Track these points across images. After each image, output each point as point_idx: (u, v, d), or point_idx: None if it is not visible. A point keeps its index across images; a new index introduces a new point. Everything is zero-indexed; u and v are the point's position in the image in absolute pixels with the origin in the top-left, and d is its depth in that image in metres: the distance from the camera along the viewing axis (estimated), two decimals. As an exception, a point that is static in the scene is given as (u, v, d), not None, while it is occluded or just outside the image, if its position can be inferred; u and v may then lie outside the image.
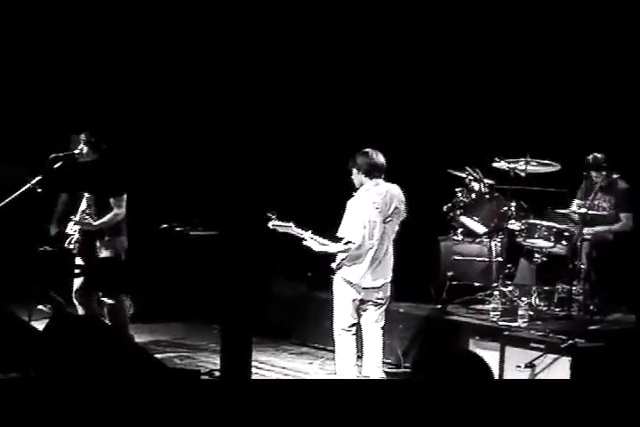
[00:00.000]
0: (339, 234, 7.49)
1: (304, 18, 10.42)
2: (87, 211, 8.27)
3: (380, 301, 7.57)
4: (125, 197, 8.28)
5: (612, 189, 8.55)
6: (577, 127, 9.38)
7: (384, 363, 7.74)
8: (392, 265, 7.61)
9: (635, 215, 8.51)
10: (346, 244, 7.45)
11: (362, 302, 7.55)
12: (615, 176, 8.50)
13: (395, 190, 7.64)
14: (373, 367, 7.57)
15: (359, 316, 7.58)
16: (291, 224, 7.64)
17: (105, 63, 10.74)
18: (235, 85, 10.77)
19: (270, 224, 7.70)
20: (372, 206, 7.49)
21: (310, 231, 7.62)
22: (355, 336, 7.56)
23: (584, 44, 9.58)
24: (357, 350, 7.60)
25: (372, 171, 7.56)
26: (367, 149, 7.63)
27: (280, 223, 7.69)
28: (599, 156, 8.47)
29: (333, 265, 7.58)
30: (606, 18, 9.49)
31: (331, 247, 7.55)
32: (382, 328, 7.64)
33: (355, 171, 7.60)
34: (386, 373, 7.69)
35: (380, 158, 7.60)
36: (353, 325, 7.54)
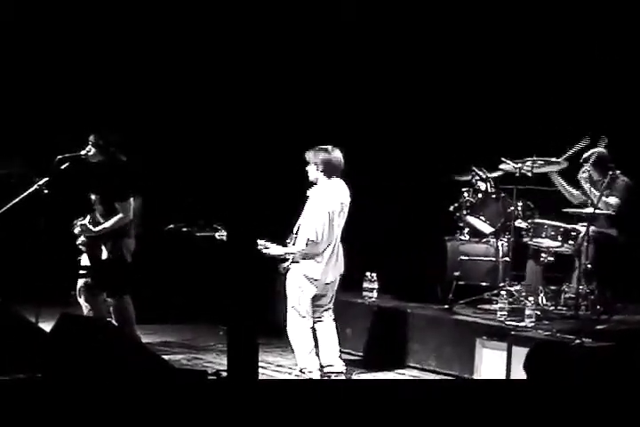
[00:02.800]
0: (303, 233, 7.51)
1: (304, 17, 10.38)
2: (92, 215, 8.30)
3: (333, 294, 7.73)
4: (132, 200, 8.28)
5: (614, 185, 8.52)
6: (581, 126, 9.36)
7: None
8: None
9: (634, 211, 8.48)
10: (308, 243, 7.48)
11: (317, 297, 7.65)
12: (618, 172, 8.49)
13: (344, 188, 7.66)
14: (334, 358, 7.72)
15: (314, 311, 7.69)
16: None
17: (114, 63, 10.75)
18: (243, 87, 10.74)
19: (217, 235, 7.72)
20: (332, 207, 7.53)
21: (264, 240, 7.58)
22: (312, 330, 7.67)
23: (586, 44, 9.57)
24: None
25: (332, 171, 7.56)
26: (327, 147, 7.59)
27: None
28: (604, 152, 8.47)
29: (283, 266, 7.61)
30: (606, 18, 9.48)
31: (292, 248, 7.57)
32: (334, 320, 7.77)
33: (313, 166, 7.57)
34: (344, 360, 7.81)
35: (341, 157, 7.58)
36: (310, 320, 7.65)
